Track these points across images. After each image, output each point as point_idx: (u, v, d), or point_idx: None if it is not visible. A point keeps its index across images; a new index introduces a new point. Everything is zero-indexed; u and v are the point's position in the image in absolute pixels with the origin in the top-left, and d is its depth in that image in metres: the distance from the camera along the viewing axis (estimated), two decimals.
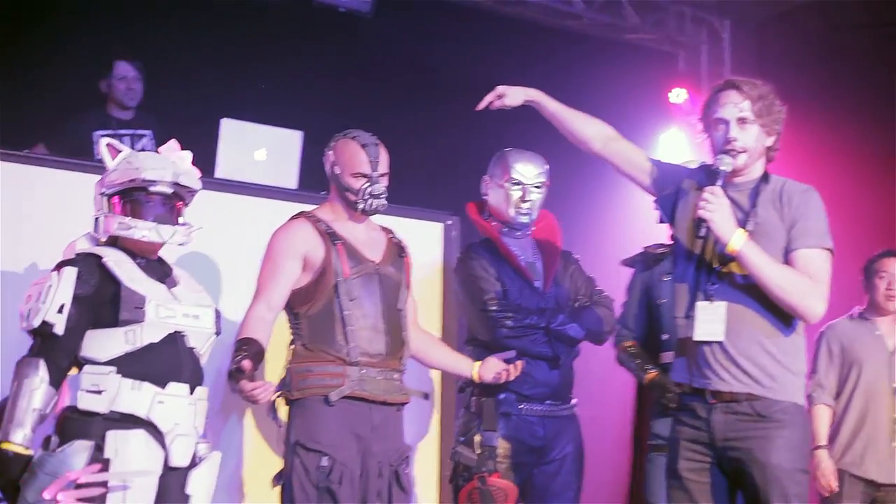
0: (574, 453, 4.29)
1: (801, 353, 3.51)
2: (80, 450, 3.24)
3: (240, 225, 4.69)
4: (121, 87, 5.82)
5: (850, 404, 5.03)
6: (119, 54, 5.78)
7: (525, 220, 4.33)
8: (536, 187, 4.34)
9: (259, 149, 5.08)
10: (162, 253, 3.60)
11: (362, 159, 3.90)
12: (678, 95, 7.12)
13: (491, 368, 4.11)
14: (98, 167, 3.68)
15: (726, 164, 3.48)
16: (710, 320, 3.43)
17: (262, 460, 4.47)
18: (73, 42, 5.85)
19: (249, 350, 3.63)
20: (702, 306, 3.45)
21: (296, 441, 3.73)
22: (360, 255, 3.89)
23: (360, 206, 3.90)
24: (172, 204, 3.54)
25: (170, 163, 3.52)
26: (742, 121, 3.49)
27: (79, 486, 3.17)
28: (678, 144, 6.86)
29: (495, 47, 6.56)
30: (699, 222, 3.42)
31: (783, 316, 3.43)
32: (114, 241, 3.49)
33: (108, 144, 3.53)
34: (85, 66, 5.81)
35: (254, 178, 4.96)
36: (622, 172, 3.75)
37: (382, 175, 3.93)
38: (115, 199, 3.48)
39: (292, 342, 3.89)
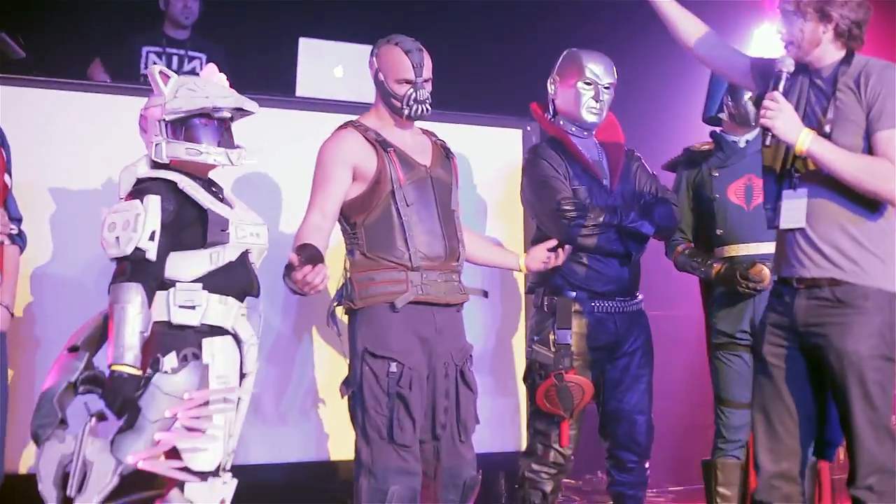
0: (644, 346, 4.31)
1: (890, 238, 3.45)
2: (194, 370, 3.42)
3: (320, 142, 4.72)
4: (178, 6, 5.73)
5: None
6: None
7: (596, 119, 4.32)
8: (607, 88, 4.31)
9: (337, 66, 5.12)
10: (216, 174, 3.72)
11: (406, 65, 3.88)
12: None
13: (537, 258, 4.17)
14: (139, 89, 3.73)
15: (787, 64, 3.45)
16: (793, 208, 3.44)
17: (332, 371, 4.57)
18: None
19: (303, 251, 3.65)
20: (787, 195, 3.46)
21: (364, 349, 3.79)
22: (412, 160, 3.91)
23: (406, 111, 3.89)
24: (227, 126, 3.65)
25: (228, 90, 3.64)
26: (784, 13, 3.46)
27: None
28: (771, 39, 6.69)
29: None
30: (764, 130, 3.43)
31: (867, 201, 3.40)
32: (166, 165, 3.59)
33: (160, 72, 3.60)
34: None
35: (334, 94, 5.02)
36: (725, 76, 3.81)
37: (426, 80, 3.92)
38: (171, 125, 3.56)
39: (349, 252, 3.91)
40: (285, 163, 4.68)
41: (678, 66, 5.03)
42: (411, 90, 3.88)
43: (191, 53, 5.62)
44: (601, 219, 4.19)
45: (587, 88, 4.29)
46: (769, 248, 4.21)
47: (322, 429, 4.74)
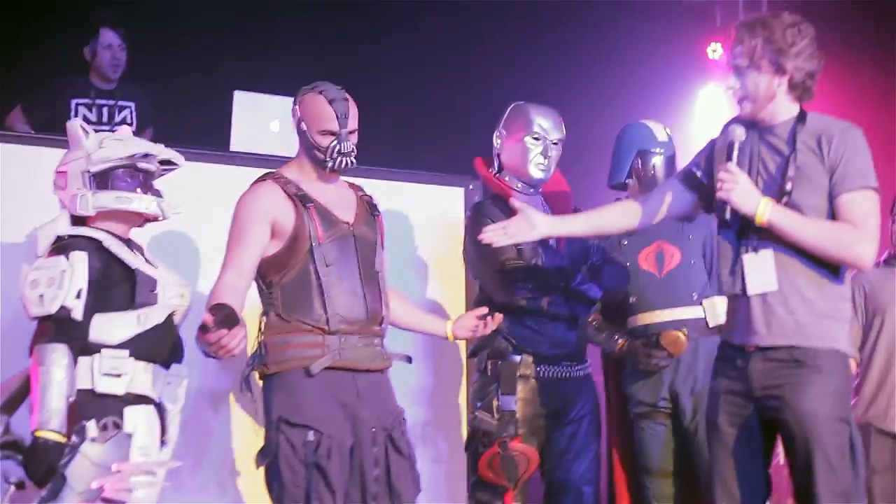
0: (592, 413, 4.17)
1: (847, 301, 3.41)
2: (123, 440, 3.31)
3: None
4: (105, 56, 5.58)
5: (873, 355, 4.74)
6: (105, 21, 5.56)
7: (543, 176, 4.19)
8: (555, 143, 4.19)
9: (273, 120, 4.99)
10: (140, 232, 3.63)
11: (329, 115, 3.67)
12: (715, 51, 6.99)
13: (465, 326, 3.95)
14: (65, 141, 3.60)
15: (738, 135, 3.38)
16: (760, 270, 3.34)
17: (248, 441, 4.37)
18: (59, 5, 5.71)
19: (218, 312, 3.39)
20: (749, 259, 3.36)
21: (279, 416, 3.57)
22: (334, 216, 3.69)
23: (329, 164, 3.67)
24: (150, 181, 3.56)
25: (151, 144, 3.58)
26: (737, 68, 3.39)
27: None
28: (716, 100, 6.74)
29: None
30: (722, 205, 3.35)
31: (827, 264, 3.33)
32: (82, 221, 3.47)
33: (81, 126, 3.51)
34: (69, 31, 5.62)
35: (270, 149, 4.85)
36: (687, 216, 3.82)
37: (352, 132, 3.71)
38: (95, 177, 3.46)
39: (265, 313, 3.69)
40: (219, 219, 4.46)
41: (652, 110, 4.97)
42: (335, 142, 3.67)
43: (120, 103, 5.47)
44: (546, 281, 4.05)
45: (535, 144, 4.16)
46: (685, 313, 4.22)
47: (241, 501, 4.50)
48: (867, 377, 4.71)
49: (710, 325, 4.25)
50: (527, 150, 4.17)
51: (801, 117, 3.38)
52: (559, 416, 4.10)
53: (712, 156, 3.51)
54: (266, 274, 3.65)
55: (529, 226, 3.60)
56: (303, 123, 3.72)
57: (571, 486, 4.10)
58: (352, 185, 3.89)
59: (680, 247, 4.39)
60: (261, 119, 4.98)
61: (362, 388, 3.63)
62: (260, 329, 3.69)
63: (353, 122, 3.71)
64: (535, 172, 4.17)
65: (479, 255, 4.14)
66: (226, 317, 3.35)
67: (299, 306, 3.60)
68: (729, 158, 3.36)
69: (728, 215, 3.35)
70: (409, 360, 3.92)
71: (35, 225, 3.52)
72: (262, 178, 3.75)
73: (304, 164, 3.75)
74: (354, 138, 3.72)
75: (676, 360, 4.25)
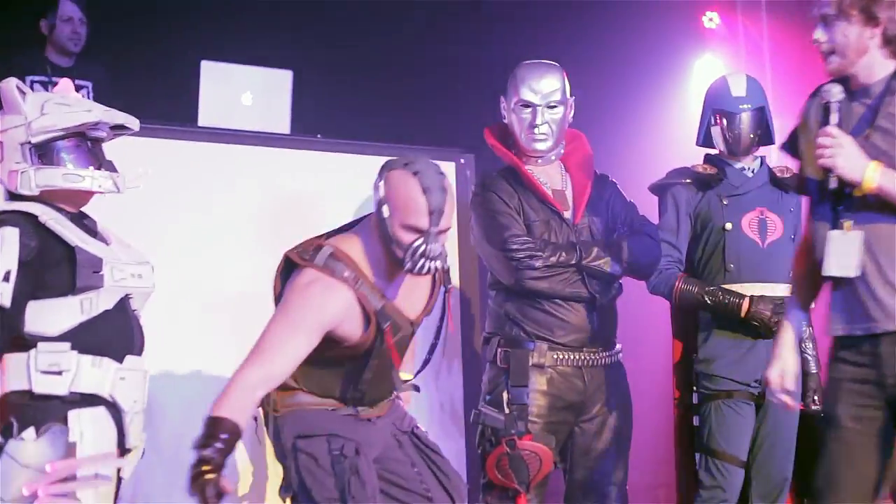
0: (620, 408, 3.77)
1: None
2: (57, 437, 2.90)
3: (229, 175, 4.30)
4: (65, 31, 5.21)
5: None
6: None
7: (541, 146, 3.79)
8: (551, 107, 3.79)
9: (245, 92, 4.68)
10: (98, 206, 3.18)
11: (420, 208, 3.04)
12: (711, 20, 6.73)
13: None
14: None
15: (835, 93, 3.01)
16: (843, 253, 2.97)
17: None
18: None
19: (227, 444, 2.86)
20: (835, 236, 2.99)
21: (293, 437, 3.17)
22: (402, 319, 3.21)
23: (408, 265, 3.08)
24: (100, 148, 3.14)
25: (100, 106, 3.13)
26: (824, 18, 3.02)
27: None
28: (713, 70, 6.46)
29: None
30: (826, 173, 2.97)
31: None
32: (24, 196, 3.04)
33: (17, 87, 3.06)
34: (23, 2, 5.28)
35: (241, 123, 4.58)
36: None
37: (442, 232, 3.10)
38: (36, 149, 3.03)
39: None
40: (188, 198, 4.19)
41: (648, 81, 4.62)
42: (420, 242, 3.06)
43: (78, 82, 5.07)
44: (555, 258, 3.64)
45: (525, 112, 3.78)
46: (781, 290, 3.85)
47: None
48: None
49: None
50: (521, 119, 3.79)
51: None
52: (580, 410, 3.71)
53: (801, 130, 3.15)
54: None
55: None
56: (385, 207, 3.10)
57: (594, 488, 3.72)
58: None
59: (781, 217, 4.11)
60: (231, 91, 4.67)
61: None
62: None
63: (446, 221, 3.10)
64: (530, 143, 3.78)
65: (482, 233, 3.75)
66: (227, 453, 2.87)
67: (320, 384, 3.20)
68: (827, 121, 2.99)
69: (833, 184, 2.97)
70: (417, 389, 3.51)
71: None
72: (331, 270, 3.09)
73: (375, 247, 3.16)
74: (444, 239, 3.14)
75: (761, 341, 3.95)
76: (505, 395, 3.62)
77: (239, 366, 3.00)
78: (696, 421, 4.13)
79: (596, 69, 5.60)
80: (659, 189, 4.23)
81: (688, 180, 4.17)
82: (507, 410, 3.60)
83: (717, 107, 4.16)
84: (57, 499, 2.84)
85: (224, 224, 4.24)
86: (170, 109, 4.83)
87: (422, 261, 3.07)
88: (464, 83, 4.96)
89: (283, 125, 4.69)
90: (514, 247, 3.65)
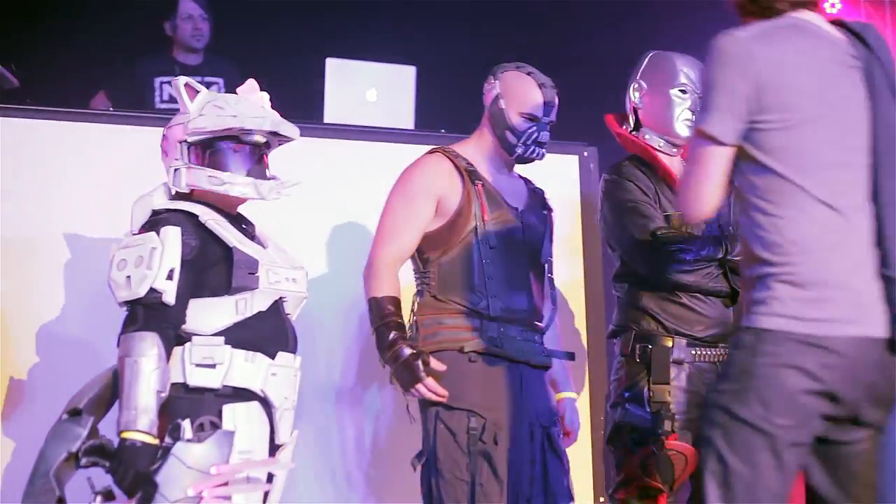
0: None
1: None
2: (223, 440, 2.94)
3: (352, 172, 4.37)
4: (187, 29, 5.39)
5: None
6: None
7: (689, 133, 3.74)
8: (701, 97, 3.73)
9: (370, 88, 4.79)
10: (247, 208, 3.27)
11: (536, 100, 3.49)
12: (833, 5, 6.59)
13: None
14: (157, 118, 3.31)
15: None
16: None
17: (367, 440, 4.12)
18: None
19: (397, 315, 3.30)
20: None
21: (435, 403, 3.28)
22: (502, 199, 3.46)
23: (520, 150, 3.48)
24: (261, 154, 3.21)
25: (264, 110, 3.21)
26: None
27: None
28: None
29: None
30: None
31: None
32: (187, 195, 3.14)
33: (186, 84, 3.17)
34: (146, 7, 5.42)
35: (367, 120, 4.68)
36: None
37: (550, 122, 3.52)
38: (194, 148, 3.13)
39: (418, 292, 3.46)
40: (314, 195, 4.19)
41: None
42: (533, 129, 3.48)
43: (207, 79, 5.19)
44: (704, 252, 3.58)
45: (682, 97, 3.72)
46: None
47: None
48: None
49: None
50: (672, 103, 3.72)
51: None
52: None
53: None
54: (424, 250, 3.46)
55: None
56: (501, 101, 3.52)
57: None
58: (523, 178, 3.68)
59: None
60: (356, 88, 4.78)
61: (522, 378, 3.35)
62: (412, 309, 3.44)
63: (554, 114, 3.55)
64: (682, 129, 3.70)
65: (619, 223, 3.68)
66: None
67: (457, 286, 3.38)
68: None
69: None
70: (573, 357, 3.63)
71: (123, 206, 3.22)
72: (431, 151, 3.54)
73: (483, 143, 3.55)
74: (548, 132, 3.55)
75: None
76: (646, 393, 3.55)
77: (371, 249, 3.43)
78: None
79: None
80: None
81: None
82: (648, 408, 3.54)
83: None
84: (220, 500, 2.89)
85: (351, 220, 4.30)
86: (296, 107, 4.88)
87: (532, 147, 3.49)
88: (584, 80, 4.93)
89: (407, 121, 4.79)
90: (665, 239, 3.57)
